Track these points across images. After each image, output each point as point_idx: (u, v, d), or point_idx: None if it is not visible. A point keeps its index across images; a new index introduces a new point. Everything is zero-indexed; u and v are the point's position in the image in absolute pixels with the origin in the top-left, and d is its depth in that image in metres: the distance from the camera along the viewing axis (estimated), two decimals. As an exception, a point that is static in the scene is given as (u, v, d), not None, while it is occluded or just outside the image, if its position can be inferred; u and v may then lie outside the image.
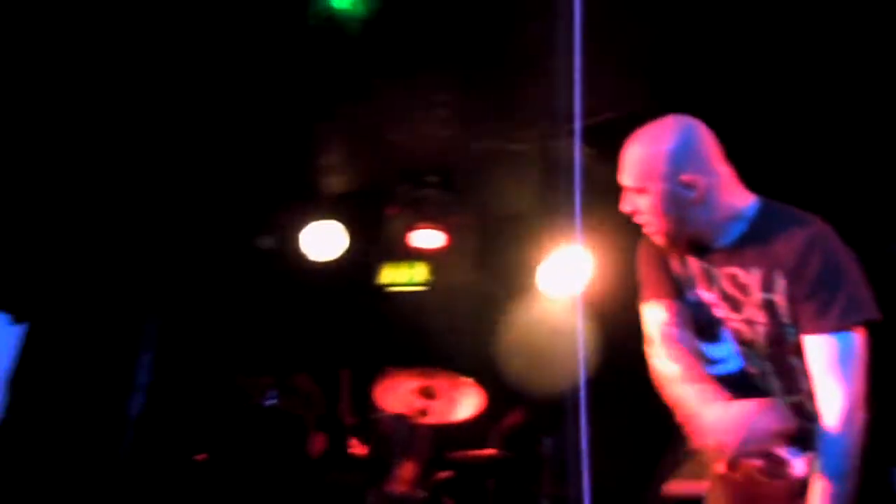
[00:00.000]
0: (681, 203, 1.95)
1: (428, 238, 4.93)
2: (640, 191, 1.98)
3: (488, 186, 4.71)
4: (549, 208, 4.71)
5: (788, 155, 3.82)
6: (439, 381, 3.87)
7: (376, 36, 3.48)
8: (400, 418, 3.68)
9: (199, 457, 3.68)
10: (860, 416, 1.80)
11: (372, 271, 5.42)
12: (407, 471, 3.63)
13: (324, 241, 4.72)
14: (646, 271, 2.16)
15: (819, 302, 1.83)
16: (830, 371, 1.82)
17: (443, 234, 4.89)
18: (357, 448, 3.72)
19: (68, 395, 3.58)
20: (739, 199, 1.99)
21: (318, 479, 3.62)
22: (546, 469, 3.95)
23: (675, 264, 2.11)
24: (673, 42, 3.43)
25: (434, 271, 5.37)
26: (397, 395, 3.83)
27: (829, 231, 1.92)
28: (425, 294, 5.35)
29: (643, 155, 1.97)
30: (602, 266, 4.70)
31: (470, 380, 3.95)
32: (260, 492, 3.50)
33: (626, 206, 2.03)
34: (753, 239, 1.95)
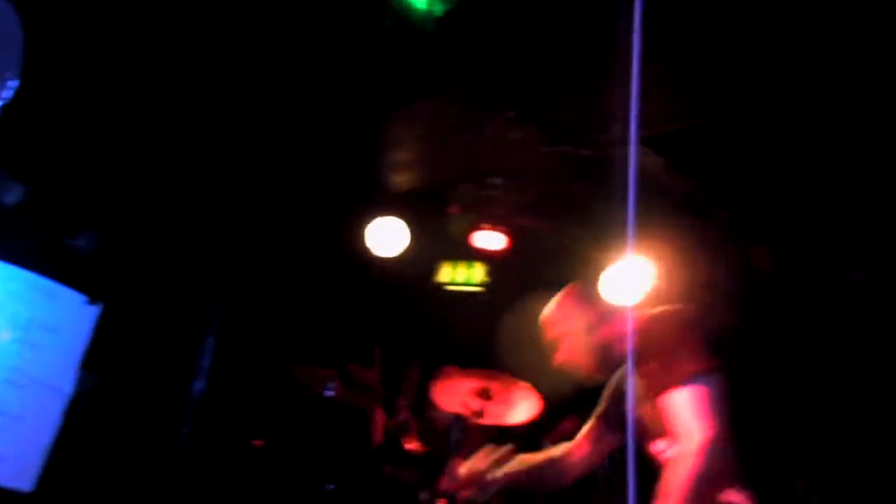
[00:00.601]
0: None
1: (489, 239, 4.92)
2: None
3: (554, 191, 4.69)
4: (613, 216, 4.67)
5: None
6: (497, 384, 3.87)
7: (451, 35, 3.49)
8: (457, 418, 3.68)
9: (257, 442, 3.74)
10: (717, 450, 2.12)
11: (432, 270, 5.45)
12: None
13: (387, 237, 4.75)
14: (608, 394, 2.71)
15: (657, 369, 2.24)
16: (680, 421, 2.19)
17: (504, 236, 4.88)
18: (412, 444, 3.74)
19: (135, 376, 3.67)
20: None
21: (374, 473, 3.65)
22: (600, 483, 3.92)
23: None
24: (740, 52, 3.39)
25: (493, 273, 5.37)
26: (455, 394, 3.84)
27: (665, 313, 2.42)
28: (486, 296, 5.36)
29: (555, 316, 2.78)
30: (662, 276, 4.65)
31: (527, 384, 3.94)
32: (314, 481, 3.54)
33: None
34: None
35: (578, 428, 4.14)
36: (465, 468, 2.64)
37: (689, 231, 4.57)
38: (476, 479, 2.61)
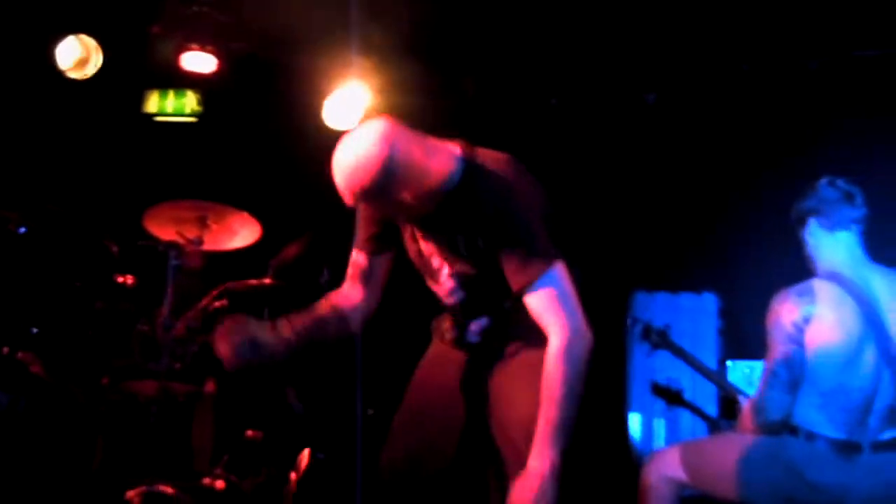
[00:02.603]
0: (394, 207, 2.14)
1: (199, 62, 4.61)
2: (356, 203, 2.14)
3: (269, 9, 4.45)
4: (335, 39, 4.59)
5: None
6: (214, 212, 3.76)
7: None
8: (172, 246, 3.54)
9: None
10: (579, 343, 2.07)
11: (137, 97, 5.04)
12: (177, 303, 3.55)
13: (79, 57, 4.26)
14: (361, 218, 2.38)
15: (513, 264, 2.09)
16: (544, 314, 2.09)
17: (215, 58, 4.59)
18: (123, 277, 3.56)
19: None
20: (446, 172, 2.13)
21: (85, 307, 3.46)
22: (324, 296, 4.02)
23: (397, 219, 2.30)
24: None
25: (206, 101, 5.09)
26: (169, 223, 3.68)
27: (517, 184, 2.14)
28: (197, 125, 5.09)
29: (351, 181, 2.06)
30: (379, 101, 4.71)
31: (244, 212, 3.88)
32: (19, 323, 3.28)
33: (349, 202, 2.14)
34: (455, 205, 2.14)
35: (302, 252, 4.21)
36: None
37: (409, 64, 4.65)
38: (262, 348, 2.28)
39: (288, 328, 2.35)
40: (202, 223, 3.70)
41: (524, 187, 2.14)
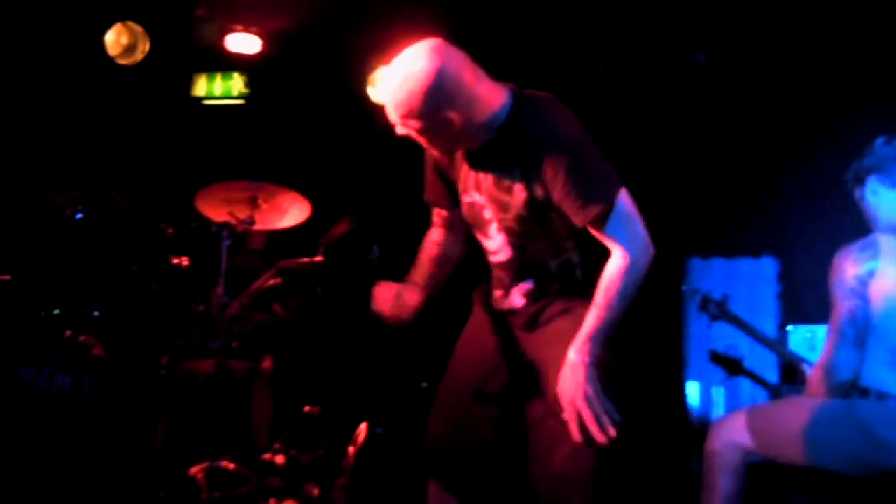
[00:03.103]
0: (443, 131, 2.08)
1: (243, 43, 4.64)
2: (406, 125, 2.08)
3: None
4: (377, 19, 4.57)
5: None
6: (264, 191, 3.80)
7: None
8: (225, 227, 3.58)
9: (3, 277, 3.45)
10: (644, 259, 2.09)
11: (186, 82, 5.11)
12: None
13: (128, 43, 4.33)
14: (426, 172, 2.40)
15: (576, 197, 2.05)
16: (611, 241, 2.09)
17: (259, 39, 4.62)
18: (178, 259, 3.62)
19: None
20: (496, 105, 2.11)
21: (141, 292, 3.52)
22: (374, 273, 4.04)
23: (452, 170, 2.30)
24: None
25: (251, 83, 5.13)
26: (221, 205, 3.73)
27: (567, 118, 2.12)
28: (245, 107, 5.14)
29: (401, 95, 2.04)
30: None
31: (294, 191, 3.91)
32: (78, 308, 3.36)
33: (399, 129, 2.11)
34: (506, 142, 2.11)
35: (352, 229, 4.24)
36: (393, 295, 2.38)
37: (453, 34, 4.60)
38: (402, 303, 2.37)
39: (417, 284, 2.41)
40: (253, 203, 3.73)
41: (570, 119, 2.13)
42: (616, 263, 2.08)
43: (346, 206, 4.25)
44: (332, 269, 4.06)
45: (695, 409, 4.55)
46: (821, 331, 3.88)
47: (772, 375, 4.32)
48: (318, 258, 4.05)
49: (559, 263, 2.23)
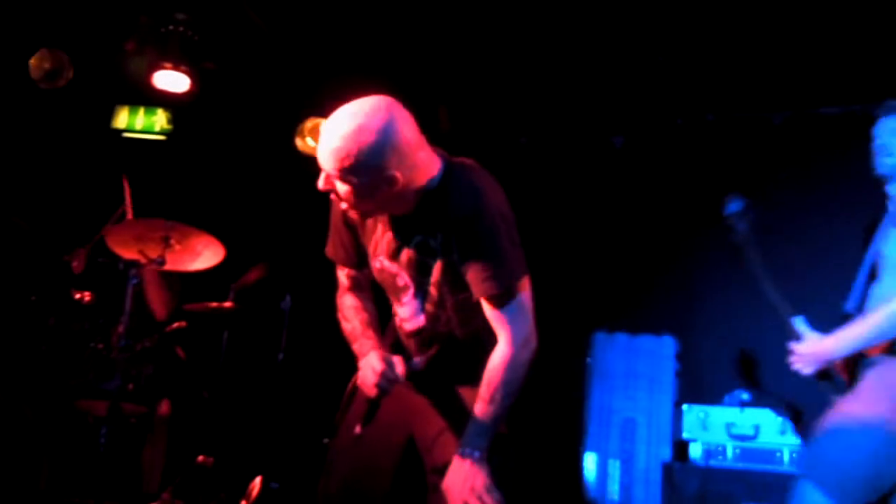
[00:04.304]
0: (380, 191, 2.00)
1: (172, 81, 4.59)
2: (344, 179, 1.97)
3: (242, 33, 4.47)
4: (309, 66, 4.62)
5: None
6: (178, 232, 3.73)
7: None
8: (133, 265, 3.49)
9: None
10: (525, 353, 2.11)
11: (108, 113, 5.02)
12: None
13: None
14: (334, 231, 2.29)
15: (482, 269, 2.06)
16: (499, 322, 2.11)
17: (188, 78, 4.58)
18: (81, 294, 3.51)
19: None
20: (433, 171, 2.08)
21: (38, 322, 3.39)
22: (285, 322, 4.01)
23: (363, 231, 2.24)
24: None
25: (176, 120, 5.08)
26: (132, 242, 3.64)
27: (495, 194, 2.10)
28: (166, 143, 5.07)
29: (349, 146, 1.93)
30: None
31: (208, 234, 3.85)
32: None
33: (322, 184, 2.01)
34: (433, 208, 2.08)
35: (265, 277, 4.19)
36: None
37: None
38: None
39: (379, 347, 2.27)
40: (165, 243, 3.65)
41: (499, 194, 2.12)
42: (499, 354, 2.11)
43: (262, 254, 4.22)
44: (241, 316, 4.01)
45: (590, 480, 4.61)
46: (713, 412, 4.02)
47: (665, 450, 4.43)
48: (228, 303, 4.00)
49: (467, 333, 2.22)
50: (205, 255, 3.85)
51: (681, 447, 4.02)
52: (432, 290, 2.19)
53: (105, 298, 3.58)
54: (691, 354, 4.63)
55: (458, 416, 2.18)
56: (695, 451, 3.89)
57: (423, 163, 2.04)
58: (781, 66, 4.12)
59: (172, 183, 4.84)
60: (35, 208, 4.14)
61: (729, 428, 3.97)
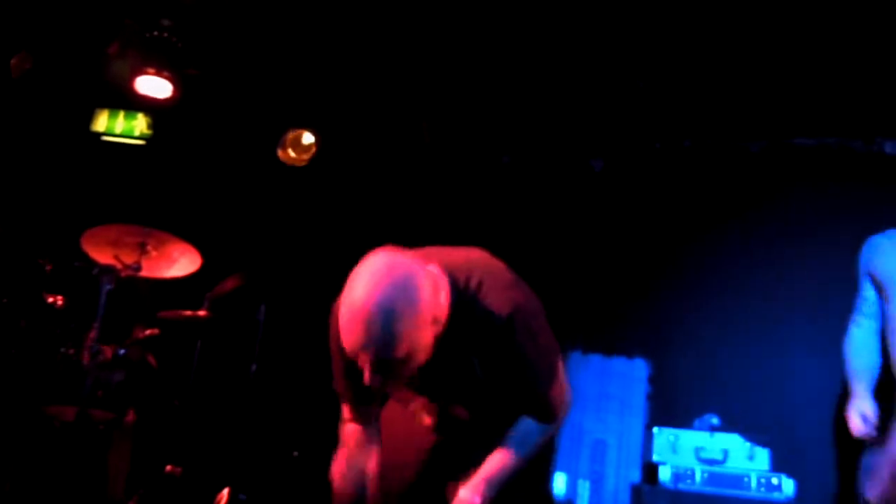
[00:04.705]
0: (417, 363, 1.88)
1: (153, 86, 4.57)
2: (406, 361, 1.83)
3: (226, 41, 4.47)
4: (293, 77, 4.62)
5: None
6: (154, 238, 3.71)
7: None
8: (107, 270, 3.47)
9: None
10: (560, 419, 2.13)
11: (87, 116, 4.98)
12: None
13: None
14: (341, 374, 2.13)
15: (518, 394, 2.05)
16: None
17: (170, 84, 4.56)
18: (53, 297, 3.47)
19: None
20: (445, 304, 1.91)
21: (8, 325, 3.35)
22: (260, 335, 3.98)
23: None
24: None
25: (156, 126, 5.05)
26: (107, 246, 3.62)
27: (508, 302, 1.96)
28: (146, 148, 5.04)
29: (404, 331, 1.78)
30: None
31: (185, 241, 3.84)
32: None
33: (377, 375, 1.83)
34: (453, 334, 1.92)
35: (240, 287, 4.17)
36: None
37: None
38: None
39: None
40: (141, 249, 3.64)
41: (517, 295, 1.99)
42: (534, 422, 2.08)
43: (238, 264, 4.20)
44: (214, 325, 3.98)
45: (560, 500, 4.61)
46: (683, 435, 4.04)
47: (635, 473, 4.45)
48: (202, 312, 3.97)
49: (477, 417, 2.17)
50: (181, 262, 3.84)
51: (650, 470, 4.04)
52: (451, 399, 2.14)
53: (78, 303, 3.54)
54: (663, 377, 4.67)
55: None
56: (664, 474, 3.91)
57: (440, 313, 1.87)
58: (759, 95, 4.19)
59: (151, 189, 4.81)
60: (9, 209, 4.09)
61: (698, 452, 3.99)
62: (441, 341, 1.88)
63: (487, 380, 2.03)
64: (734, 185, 4.62)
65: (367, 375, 1.82)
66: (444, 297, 1.88)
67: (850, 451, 3.94)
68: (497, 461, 2.05)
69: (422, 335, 1.81)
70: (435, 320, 1.84)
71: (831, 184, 4.40)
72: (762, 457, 3.93)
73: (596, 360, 4.83)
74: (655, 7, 3.66)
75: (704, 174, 4.67)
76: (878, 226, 4.13)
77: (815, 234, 4.43)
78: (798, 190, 4.49)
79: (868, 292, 3.19)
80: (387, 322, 1.75)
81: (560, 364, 2.15)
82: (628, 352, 4.76)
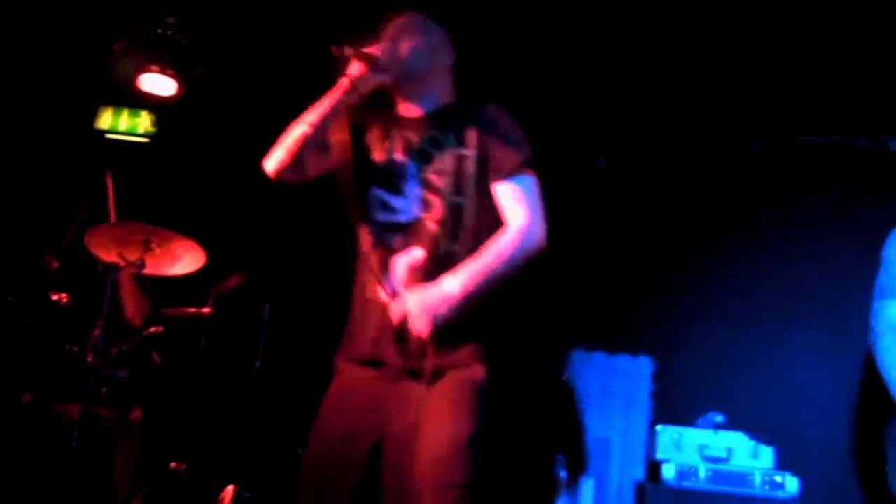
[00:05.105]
0: (424, 60, 2.30)
1: (158, 84, 4.58)
2: (404, 36, 2.26)
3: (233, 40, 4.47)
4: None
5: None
6: (158, 236, 3.71)
7: None
8: (112, 268, 3.47)
9: None
10: (534, 239, 2.17)
11: (91, 113, 4.99)
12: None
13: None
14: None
15: (506, 146, 2.21)
16: (518, 201, 2.18)
17: (175, 82, 4.57)
18: (58, 295, 3.47)
19: None
20: (449, 80, 2.35)
21: (14, 322, 3.35)
22: (264, 333, 3.99)
23: (370, 135, 2.30)
24: None
25: (160, 123, 5.06)
26: (112, 244, 3.61)
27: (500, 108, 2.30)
28: (149, 146, 5.05)
29: (413, 15, 2.31)
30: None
31: (189, 239, 3.83)
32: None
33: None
34: (448, 112, 2.28)
35: (244, 284, 4.18)
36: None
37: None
38: None
39: None
40: (146, 246, 3.63)
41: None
42: (513, 227, 2.15)
43: (243, 261, 4.20)
44: (219, 323, 3.98)
45: (564, 497, 4.62)
46: (687, 433, 4.05)
47: (639, 470, 4.46)
48: (206, 309, 3.97)
49: (446, 252, 2.16)
50: (185, 259, 3.83)
51: (654, 467, 4.04)
52: (441, 180, 2.19)
53: (83, 301, 3.54)
54: (667, 376, 4.68)
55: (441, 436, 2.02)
56: (668, 472, 3.91)
57: (447, 71, 2.35)
58: (763, 94, 4.19)
59: (155, 186, 4.81)
60: (14, 207, 4.10)
61: (702, 450, 4.00)
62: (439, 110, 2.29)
63: (480, 147, 2.21)
64: (740, 183, 4.61)
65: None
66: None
67: (856, 449, 3.94)
68: (478, 261, 2.09)
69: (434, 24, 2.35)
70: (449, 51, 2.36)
71: (837, 182, 4.40)
72: (766, 455, 3.94)
73: (600, 357, 4.83)
74: (660, 6, 3.65)
75: (710, 172, 4.67)
76: (884, 223, 4.13)
77: (820, 232, 4.43)
78: (803, 188, 4.49)
79: None
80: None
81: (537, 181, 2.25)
82: (632, 350, 4.77)
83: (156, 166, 4.97)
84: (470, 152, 2.19)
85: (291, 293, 4.44)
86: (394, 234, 2.20)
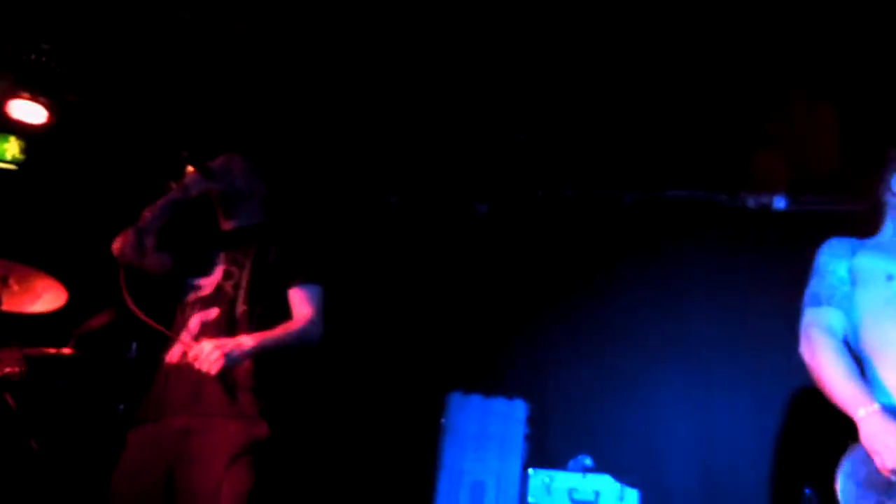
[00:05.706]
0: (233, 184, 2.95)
1: (27, 111, 4.39)
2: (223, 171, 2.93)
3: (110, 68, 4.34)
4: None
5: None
6: (17, 272, 3.54)
7: None
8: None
9: None
10: (316, 329, 2.71)
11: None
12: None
13: None
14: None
15: (304, 261, 2.78)
16: (306, 301, 2.74)
17: (45, 110, 4.39)
18: None
19: None
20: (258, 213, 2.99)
21: None
22: (131, 373, 3.83)
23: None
24: None
25: (29, 151, 4.84)
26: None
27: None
28: (15, 174, 4.81)
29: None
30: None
31: (50, 276, 3.67)
32: None
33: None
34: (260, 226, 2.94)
35: (110, 323, 4.01)
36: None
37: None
38: None
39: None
40: (3, 282, 3.46)
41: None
42: (302, 318, 2.68)
43: (109, 299, 4.04)
44: (81, 363, 3.81)
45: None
46: (557, 476, 4.13)
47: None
48: (67, 350, 3.79)
49: (244, 312, 2.69)
50: (45, 297, 3.67)
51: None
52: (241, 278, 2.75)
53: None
54: (541, 419, 4.76)
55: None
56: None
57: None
58: (634, 150, 4.38)
59: (18, 217, 4.59)
60: None
61: (571, 493, 4.08)
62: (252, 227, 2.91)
63: (278, 257, 2.79)
64: (610, 233, 4.79)
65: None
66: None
67: (714, 493, 4.10)
68: (271, 333, 2.59)
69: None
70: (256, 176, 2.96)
71: (698, 235, 4.63)
72: (632, 497, 4.06)
73: (476, 400, 4.88)
74: (539, 65, 3.78)
75: (583, 223, 4.83)
76: (739, 276, 4.37)
77: (686, 281, 4.64)
78: (668, 240, 4.70)
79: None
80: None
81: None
82: (508, 392, 4.84)
83: (20, 196, 4.74)
84: (269, 262, 2.74)
85: (160, 333, 4.29)
86: (193, 307, 2.78)
